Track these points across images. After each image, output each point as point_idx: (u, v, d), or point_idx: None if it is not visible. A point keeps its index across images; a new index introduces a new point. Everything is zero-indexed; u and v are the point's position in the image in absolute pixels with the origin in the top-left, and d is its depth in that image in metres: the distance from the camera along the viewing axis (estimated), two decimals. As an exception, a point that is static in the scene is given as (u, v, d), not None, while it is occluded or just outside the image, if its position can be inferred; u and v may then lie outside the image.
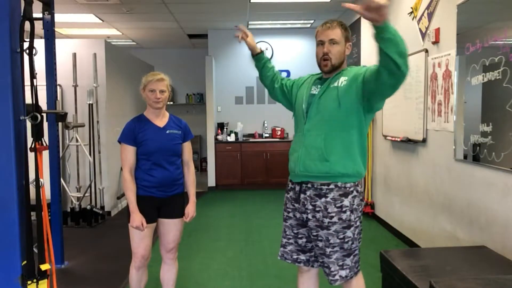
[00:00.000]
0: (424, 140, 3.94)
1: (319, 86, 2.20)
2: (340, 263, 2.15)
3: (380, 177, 5.21)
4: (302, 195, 2.17)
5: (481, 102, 3.03)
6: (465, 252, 2.82)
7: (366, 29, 5.69)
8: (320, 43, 2.14)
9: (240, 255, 4.18)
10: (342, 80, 2.11)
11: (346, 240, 2.12)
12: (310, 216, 2.15)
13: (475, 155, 3.11)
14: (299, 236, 2.26)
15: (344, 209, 2.10)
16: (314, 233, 2.15)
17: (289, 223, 2.28)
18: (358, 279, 2.24)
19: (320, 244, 2.15)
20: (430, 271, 2.42)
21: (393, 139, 4.61)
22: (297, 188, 2.21)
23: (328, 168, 2.08)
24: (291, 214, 2.26)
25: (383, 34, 1.78)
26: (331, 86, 2.14)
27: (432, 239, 3.84)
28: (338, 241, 2.11)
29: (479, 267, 2.50)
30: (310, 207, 2.14)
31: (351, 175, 2.11)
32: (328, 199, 2.10)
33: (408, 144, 4.33)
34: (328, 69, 2.13)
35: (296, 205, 2.22)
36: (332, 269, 2.14)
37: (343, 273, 2.15)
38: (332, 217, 2.10)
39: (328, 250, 2.13)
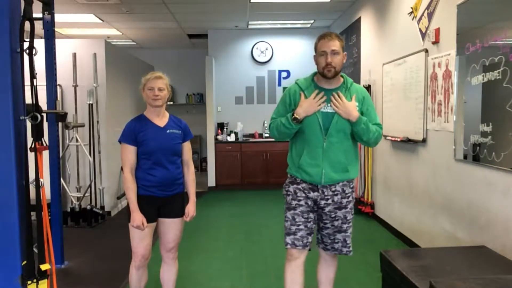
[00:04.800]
0: (424, 140, 3.94)
1: (329, 104, 2.41)
2: (351, 237, 2.56)
3: (380, 177, 5.21)
4: (320, 185, 2.45)
5: (481, 102, 3.03)
6: (465, 252, 2.82)
7: (366, 29, 5.70)
8: (323, 54, 2.37)
9: (240, 255, 4.18)
10: (356, 104, 2.44)
11: (353, 215, 2.57)
12: (329, 201, 2.46)
13: (475, 155, 3.11)
14: (309, 220, 2.49)
15: (353, 189, 2.57)
16: (333, 215, 2.49)
17: (300, 210, 2.47)
18: None
19: (337, 223, 2.50)
20: (430, 271, 2.42)
21: (393, 139, 4.61)
22: None
23: (347, 176, 2.48)
24: (302, 202, 2.47)
25: (356, 126, 2.40)
26: None
27: (432, 239, 3.83)
28: (351, 216, 2.54)
29: (479, 267, 2.51)
30: (330, 192, 2.46)
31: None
32: (344, 182, 2.49)
33: (408, 144, 4.33)
34: (332, 75, 2.38)
35: (313, 193, 2.46)
36: (348, 241, 2.54)
37: (351, 246, 2.56)
38: (348, 196, 2.51)
39: (345, 226, 2.52)
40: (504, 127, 2.78)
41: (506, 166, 2.77)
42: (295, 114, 2.38)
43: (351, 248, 2.55)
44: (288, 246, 2.47)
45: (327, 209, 2.47)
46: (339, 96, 2.38)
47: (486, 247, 2.85)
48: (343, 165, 2.43)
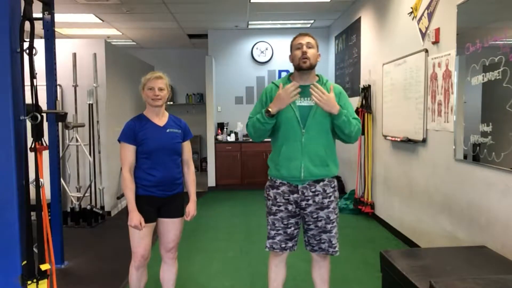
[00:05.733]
0: (424, 140, 3.94)
1: (305, 98, 2.43)
2: (337, 237, 2.53)
3: (380, 177, 5.21)
4: (300, 185, 2.45)
5: (481, 102, 3.03)
6: (465, 252, 2.82)
7: (366, 29, 5.70)
8: (299, 46, 2.45)
9: (240, 255, 4.18)
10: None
11: (338, 215, 2.55)
12: (310, 202, 2.45)
13: (475, 155, 3.11)
14: (289, 226, 2.51)
15: (335, 188, 2.55)
16: (314, 216, 2.47)
17: (279, 216, 2.49)
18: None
19: (320, 223, 2.47)
20: (430, 271, 2.42)
21: (393, 139, 4.61)
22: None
23: (327, 171, 2.47)
24: (282, 208, 2.49)
25: (337, 119, 2.37)
26: None
27: (432, 239, 3.83)
28: (335, 216, 2.51)
29: (479, 267, 2.51)
30: (310, 193, 2.45)
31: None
32: (325, 181, 2.48)
33: (408, 144, 4.33)
34: (307, 66, 2.43)
35: (293, 195, 2.45)
36: (333, 241, 2.51)
37: (338, 245, 2.53)
38: (330, 196, 2.49)
39: (329, 226, 2.48)
40: (504, 127, 2.78)
41: (506, 166, 2.77)
42: (268, 108, 2.39)
43: (337, 249, 2.53)
44: (267, 249, 2.58)
45: (308, 209, 2.46)
46: (318, 88, 2.33)
47: (486, 247, 2.85)
48: (323, 158, 2.42)
